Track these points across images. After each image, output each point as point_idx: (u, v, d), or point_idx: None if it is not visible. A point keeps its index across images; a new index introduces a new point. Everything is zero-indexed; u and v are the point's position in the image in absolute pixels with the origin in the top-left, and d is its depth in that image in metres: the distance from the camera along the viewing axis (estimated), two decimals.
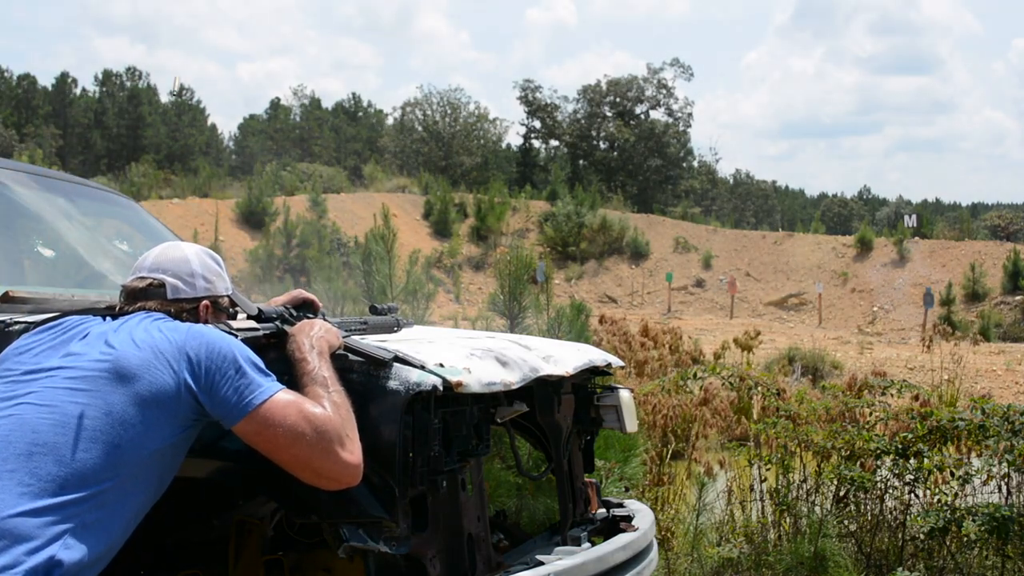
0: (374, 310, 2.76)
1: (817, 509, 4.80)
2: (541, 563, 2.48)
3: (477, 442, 2.36)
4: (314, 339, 2.12)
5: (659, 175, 50.50)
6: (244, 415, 1.90)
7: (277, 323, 2.23)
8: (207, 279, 2.22)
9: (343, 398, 2.00)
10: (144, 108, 53.06)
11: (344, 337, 2.23)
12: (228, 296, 2.29)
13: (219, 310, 2.24)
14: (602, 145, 52.00)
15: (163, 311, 2.12)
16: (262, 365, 1.99)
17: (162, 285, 2.16)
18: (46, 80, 61.65)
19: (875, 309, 27.46)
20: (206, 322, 2.16)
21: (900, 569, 4.36)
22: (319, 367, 2.04)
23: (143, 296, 2.15)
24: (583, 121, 51.89)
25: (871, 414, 5.33)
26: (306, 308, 2.40)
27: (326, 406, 1.94)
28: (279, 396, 1.93)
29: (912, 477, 4.67)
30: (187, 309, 2.16)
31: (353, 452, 1.93)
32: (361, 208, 30.67)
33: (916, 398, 5.90)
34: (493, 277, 19.07)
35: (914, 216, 33.66)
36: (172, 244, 2.32)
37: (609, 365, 3.24)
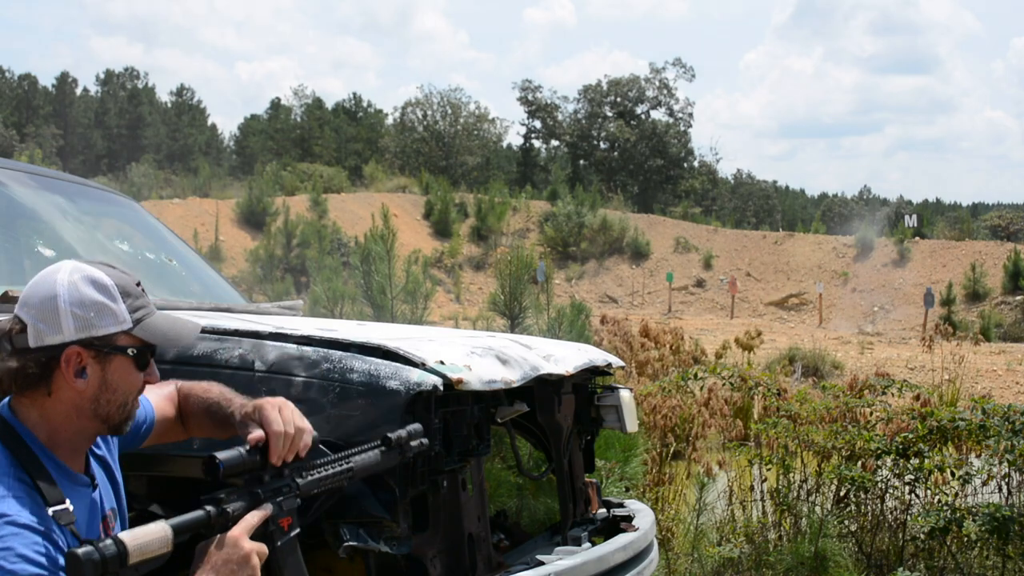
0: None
1: (818, 509, 4.79)
2: (542, 563, 2.48)
3: (477, 442, 2.36)
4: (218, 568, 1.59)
5: (660, 175, 50.54)
6: None
7: (208, 509, 1.62)
8: (79, 315, 1.63)
9: None
10: (144, 108, 53.13)
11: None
12: (131, 332, 1.67)
13: (108, 353, 1.66)
14: (603, 145, 52.02)
15: (7, 388, 1.63)
16: None
17: (23, 330, 1.64)
18: (46, 80, 61.77)
19: (876, 309, 27.44)
20: (79, 373, 1.64)
21: (901, 569, 4.35)
22: None
23: (5, 343, 1.64)
24: (583, 121, 51.92)
25: (872, 414, 5.32)
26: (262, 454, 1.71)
27: None
28: None
29: (912, 477, 4.67)
30: (48, 361, 1.63)
31: None
32: (361, 208, 30.65)
33: (917, 398, 5.89)
34: (493, 277, 19.06)
35: (914, 216, 33.63)
36: (49, 269, 1.70)
37: (609, 365, 3.23)
